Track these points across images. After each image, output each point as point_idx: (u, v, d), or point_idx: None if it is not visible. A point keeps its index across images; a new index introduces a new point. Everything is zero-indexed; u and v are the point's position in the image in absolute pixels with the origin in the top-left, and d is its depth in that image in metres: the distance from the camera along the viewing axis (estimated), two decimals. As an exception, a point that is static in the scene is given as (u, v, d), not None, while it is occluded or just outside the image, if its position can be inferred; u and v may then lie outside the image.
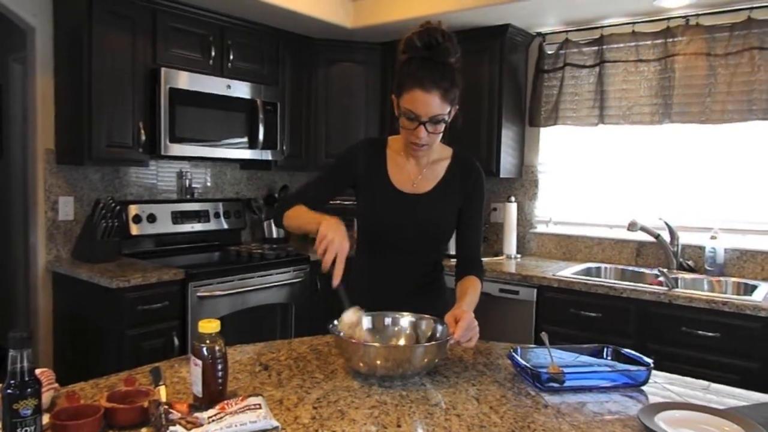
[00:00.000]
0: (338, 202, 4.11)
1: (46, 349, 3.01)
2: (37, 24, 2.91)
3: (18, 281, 3.21)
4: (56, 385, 1.24)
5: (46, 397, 1.14)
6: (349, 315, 1.47)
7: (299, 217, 1.64)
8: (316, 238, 1.44)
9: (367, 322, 1.52)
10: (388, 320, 1.57)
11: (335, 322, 1.50)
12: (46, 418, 1.04)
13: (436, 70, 1.50)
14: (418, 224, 1.69)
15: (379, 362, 1.34)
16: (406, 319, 1.57)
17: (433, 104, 1.51)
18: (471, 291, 1.64)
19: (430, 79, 1.50)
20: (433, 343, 1.41)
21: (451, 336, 1.40)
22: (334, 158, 1.79)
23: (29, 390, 0.95)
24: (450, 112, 1.57)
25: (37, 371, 1.06)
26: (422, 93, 1.50)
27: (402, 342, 1.54)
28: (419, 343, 1.51)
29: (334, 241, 1.42)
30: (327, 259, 1.41)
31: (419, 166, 1.72)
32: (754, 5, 2.84)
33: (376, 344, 1.43)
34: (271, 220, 1.71)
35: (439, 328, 1.51)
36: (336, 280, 1.43)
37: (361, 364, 1.36)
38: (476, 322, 1.46)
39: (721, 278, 2.93)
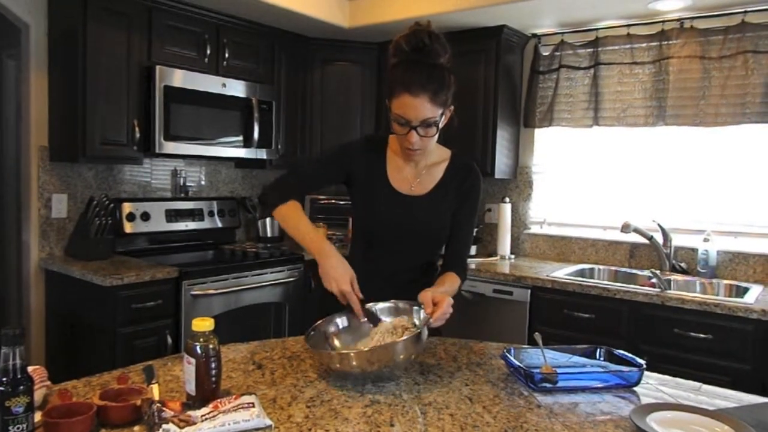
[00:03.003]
0: (332, 201, 4.12)
1: (38, 347, 3.00)
2: (31, 21, 2.89)
3: (10, 279, 3.18)
4: (48, 382, 1.23)
5: (38, 395, 1.14)
6: (386, 325, 1.48)
7: (294, 225, 1.65)
8: (320, 273, 1.52)
9: (385, 320, 1.53)
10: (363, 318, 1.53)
11: (312, 332, 1.49)
12: (38, 416, 1.04)
13: (424, 73, 1.49)
14: (415, 226, 1.69)
15: (355, 363, 1.33)
16: (380, 307, 1.55)
17: (422, 108, 1.50)
18: (449, 284, 1.66)
19: (418, 83, 1.48)
20: (407, 337, 1.35)
21: (429, 317, 1.40)
22: (332, 148, 1.78)
23: (21, 387, 0.95)
24: (443, 114, 1.56)
25: (30, 369, 1.05)
26: (410, 97, 1.49)
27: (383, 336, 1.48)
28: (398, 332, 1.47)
29: (340, 277, 1.50)
30: (343, 302, 1.51)
31: (418, 168, 1.71)
32: (748, 9, 2.86)
33: (350, 351, 1.39)
34: (258, 200, 1.75)
35: (416, 314, 1.49)
36: (360, 317, 1.50)
37: (339, 366, 1.36)
38: (451, 308, 1.47)
39: (714, 280, 2.95)
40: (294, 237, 1.65)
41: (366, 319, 1.50)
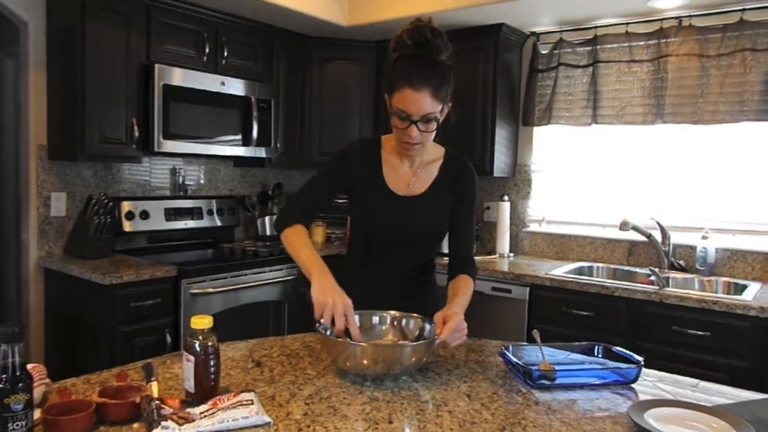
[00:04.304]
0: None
1: (37, 345, 3.00)
2: (29, 19, 2.89)
3: (9, 277, 3.19)
4: (48, 380, 1.24)
5: (37, 392, 1.14)
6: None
7: (296, 248, 1.62)
8: (313, 301, 1.42)
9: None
10: (375, 319, 1.56)
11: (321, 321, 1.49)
12: (37, 413, 1.04)
13: (426, 68, 1.50)
14: (413, 226, 1.69)
15: (366, 362, 1.33)
16: (393, 318, 1.56)
17: (424, 103, 1.50)
18: (462, 291, 1.64)
19: (420, 77, 1.48)
20: (421, 342, 1.40)
21: (438, 336, 1.39)
22: (329, 160, 1.76)
23: (20, 385, 0.95)
24: (442, 109, 1.56)
25: (29, 366, 1.06)
26: (412, 92, 1.49)
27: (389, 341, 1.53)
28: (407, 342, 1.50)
29: (335, 305, 1.38)
30: (339, 327, 1.38)
31: (413, 167, 1.71)
32: (746, 7, 2.86)
33: (363, 343, 1.41)
34: (274, 226, 1.72)
35: (427, 327, 1.50)
36: (358, 338, 1.41)
37: (348, 364, 1.36)
38: (465, 324, 1.46)
39: (712, 278, 2.95)
40: (296, 262, 1.62)
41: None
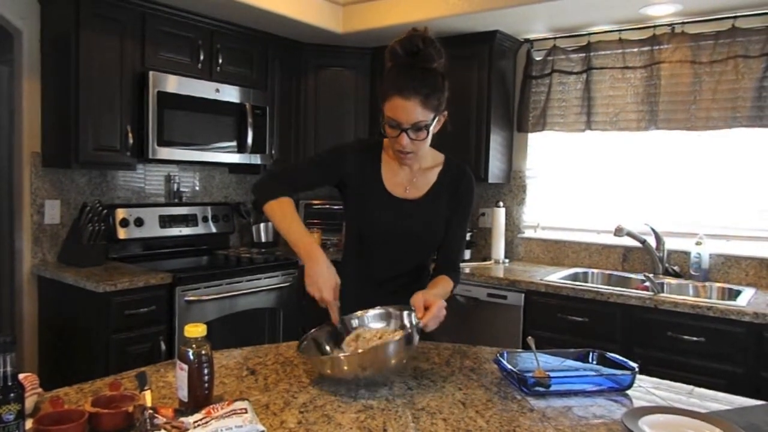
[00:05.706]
0: (327, 206, 4.12)
1: (30, 354, 2.98)
2: (24, 27, 2.89)
3: (3, 285, 3.17)
4: (40, 389, 1.23)
5: (29, 402, 1.13)
6: (352, 337, 1.49)
7: (285, 222, 1.63)
8: (305, 276, 1.51)
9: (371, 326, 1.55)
10: (354, 321, 1.56)
11: (305, 341, 1.49)
12: (29, 423, 1.04)
13: (417, 77, 1.51)
14: (409, 229, 1.70)
15: (353, 370, 1.34)
16: (371, 314, 1.56)
17: (414, 111, 1.51)
18: (441, 285, 1.67)
19: (410, 86, 1.50)
20: (400, 337, 1.36)
21: (419, 321, 1.41)
22: (326, 150, 1.76)
23: (12, 395, 0.95)
24: (435, 118, 1.57)
25: (21, 376, 1.05)
26: (401, 100, 1.51)
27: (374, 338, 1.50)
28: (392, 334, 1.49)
29: (324, 285, 1.49)
30: (327, 299, 1.50)
31: (412, 171, 1.72)
32: (739, 14, 2.88)
33: (341, 355, 1.43)
34: (252, 192, 1.74)
35: (405, 315, 1.51)
36: (335, 321, 1.50)
37: (340, 376, 1.36)
38: (444, 311, 1.48)
39: (706, 283, 2.96)
40: (284, 235, 1.63)
41: (339, 325, 1.52)
